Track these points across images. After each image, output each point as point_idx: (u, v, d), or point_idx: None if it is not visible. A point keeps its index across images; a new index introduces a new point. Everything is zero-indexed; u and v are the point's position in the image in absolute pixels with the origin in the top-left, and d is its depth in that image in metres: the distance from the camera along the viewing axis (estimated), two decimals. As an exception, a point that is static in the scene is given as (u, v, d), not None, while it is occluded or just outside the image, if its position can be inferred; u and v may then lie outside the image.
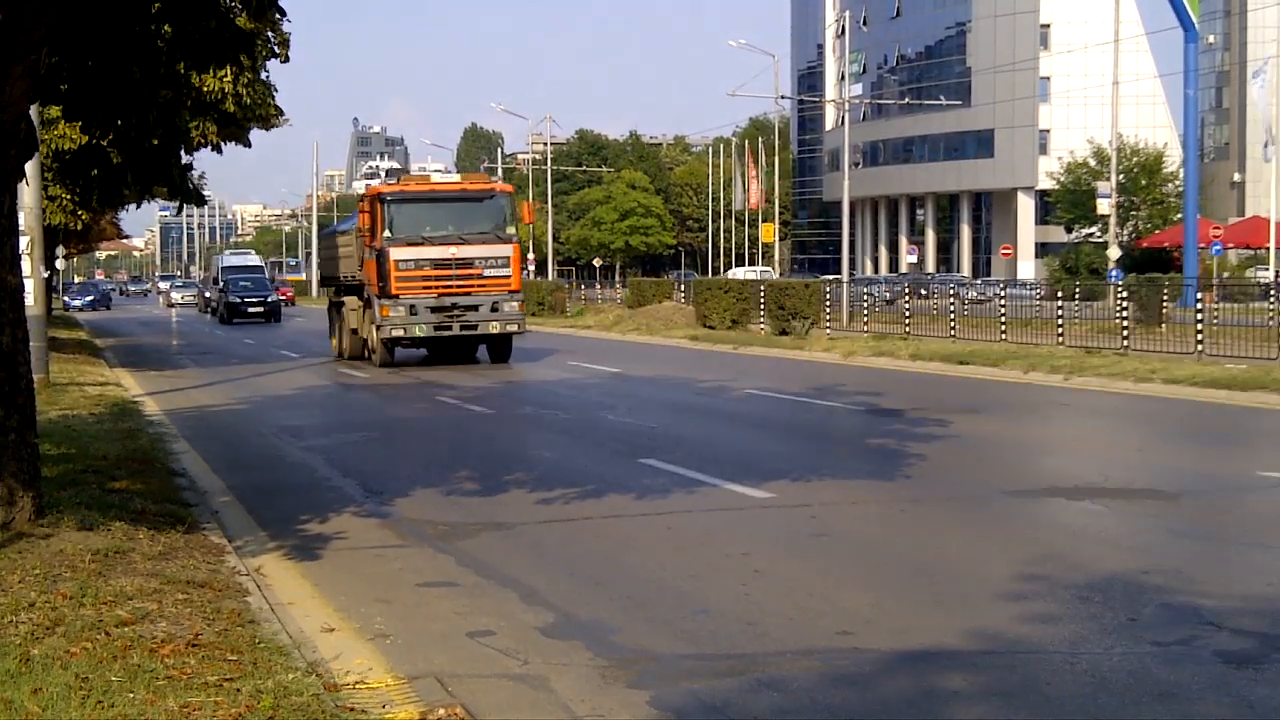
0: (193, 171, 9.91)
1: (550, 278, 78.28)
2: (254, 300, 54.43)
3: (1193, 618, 7.48)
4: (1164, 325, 27.33)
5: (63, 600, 7.21)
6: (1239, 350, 23.12)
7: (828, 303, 35.69)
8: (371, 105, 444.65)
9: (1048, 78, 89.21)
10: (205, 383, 24.78)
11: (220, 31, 8.47)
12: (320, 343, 35.87)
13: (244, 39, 8.76)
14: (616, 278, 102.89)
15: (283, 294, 68.21)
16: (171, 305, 75.14)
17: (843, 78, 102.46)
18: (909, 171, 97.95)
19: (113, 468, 12.12)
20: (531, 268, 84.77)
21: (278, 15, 9.00)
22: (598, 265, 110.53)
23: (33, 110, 9.38)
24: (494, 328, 27.04)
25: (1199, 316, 23.98)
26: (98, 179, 9.75)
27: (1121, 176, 59.34)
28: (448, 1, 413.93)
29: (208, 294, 65.61)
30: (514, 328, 27.38)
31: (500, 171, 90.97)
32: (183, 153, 16.50)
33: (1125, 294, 27.18)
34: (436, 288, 26.53)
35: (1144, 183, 68.30)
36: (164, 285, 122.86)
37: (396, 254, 26.32)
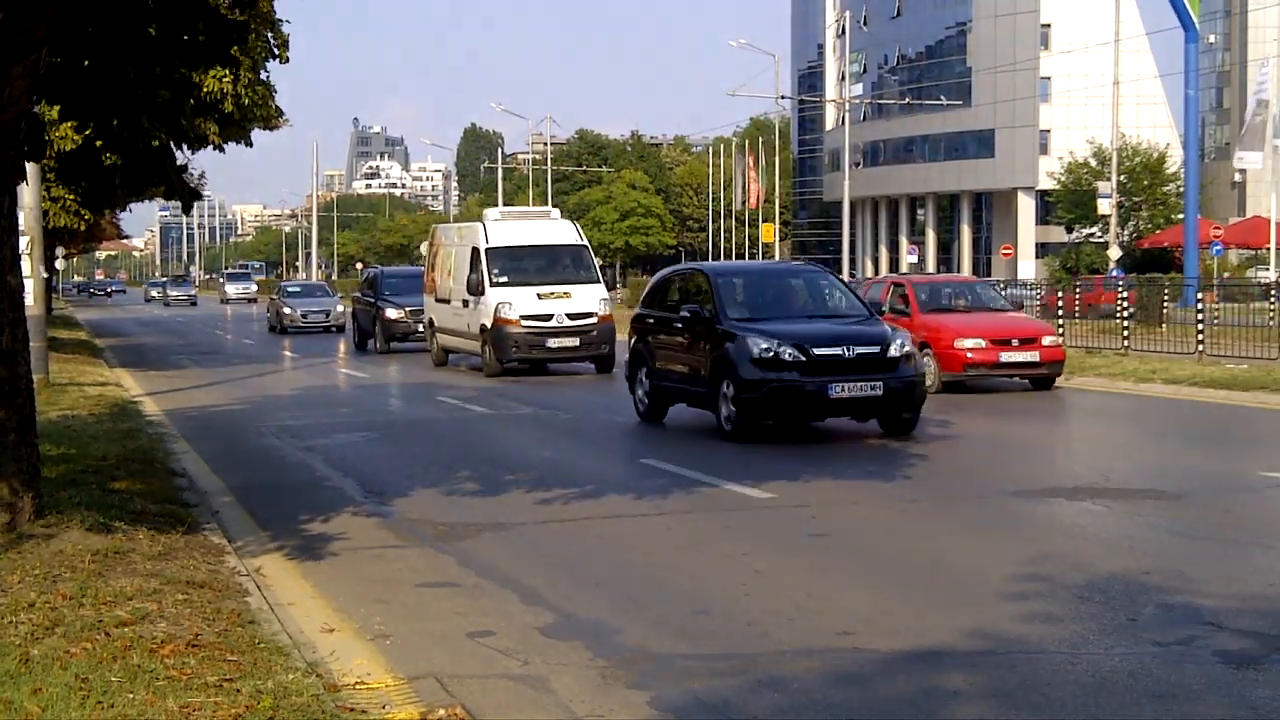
0: (190, 171, 9.86)
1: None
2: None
3: (1193, 618, 7.47)
4: (1164, 325, 27.30)
5: (62, 600, 7.20)
6: (1239, 350, 23.10)
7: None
8: (371, 105, 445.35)
9: (1048, 78, 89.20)
10: (205, 383, 24.77)
11: (211, 32, 8.45)
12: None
13: (235, 32, 8.68)
14: (617, 278, 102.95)
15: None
16: (282, 329, 43.24)
17: (843, 78, 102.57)
18: (909, 171, 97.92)
19: (113, 468, 12.10)
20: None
21: (269, 8, 8.97)
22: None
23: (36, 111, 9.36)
24: None
25: (1199, 316, 23.96)
26: (92, 179, 9.74)
27: (1123, 177, 59.34)
28: (448, 1, 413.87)
29: (393, 313, 31.77)
30: None
31: (500, 171, 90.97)
32: (186, 150, 16.52)
33: (1125, 294, 27.16)
34: None
35: (1145, 183, 68.30)
36: (234, 289, 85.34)
37: None
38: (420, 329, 29.72)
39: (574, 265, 25.55)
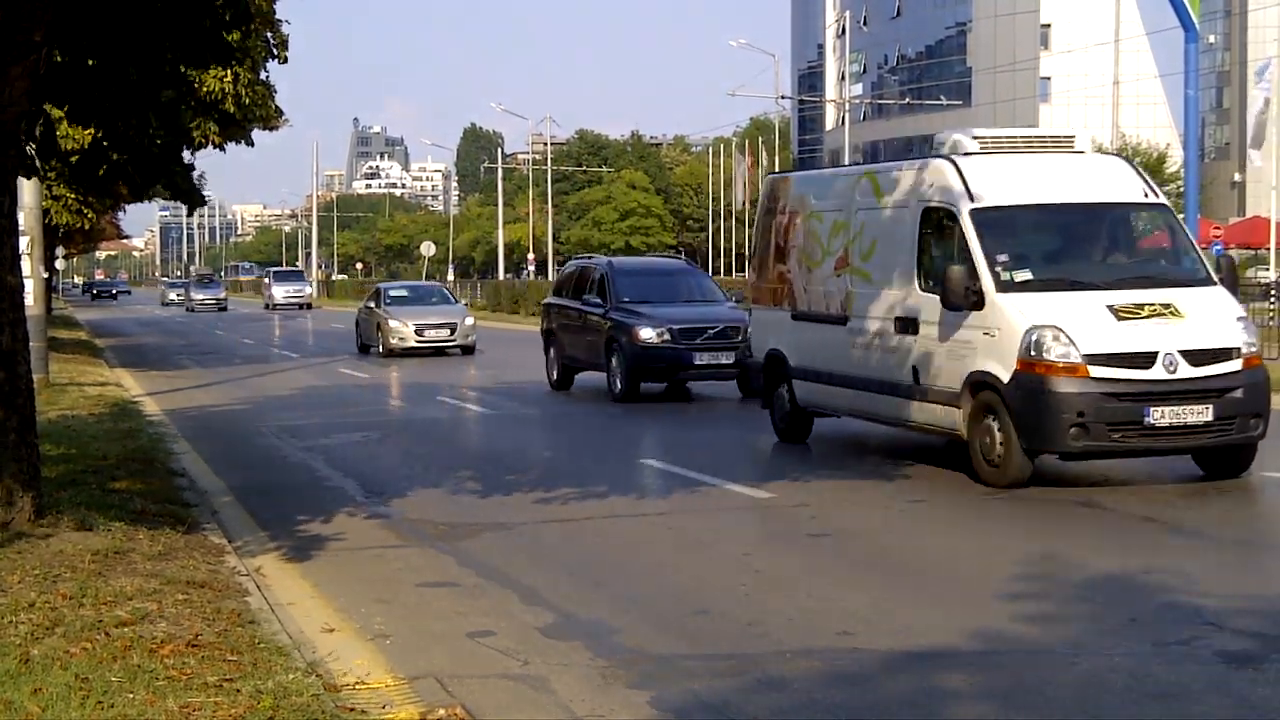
0: (194, 171, 9.92)
1: (552, 278, 78.29)
2: None
3: (1193, 618, 7.47)
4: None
5: (62, 600, 7.20)
6: (1239, 350, 23.05)
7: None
8: (371, 105, 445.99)
9: (1048, 78, 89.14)
10: (205, 383, 24.77)
11: (215, 31, 8.48)
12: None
13: (237, 37, 8.75)
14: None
15: None
16: (386, 351, 30.77)
17: (843, 77, 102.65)
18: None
19: (113, 468, 12.10)
20: (532, 268, 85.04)
21: (269, 8, 9.05)
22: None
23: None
24: None
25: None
26: (102, 178, 9.79)
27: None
28: (447, 1, 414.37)
29: (648, 333, 19.47)
30: None
31: (500, 171, 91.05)
32: (185, 153, 16.50)
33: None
34: None
35: (1145, 183, 68.31)
36: (283, 292, 67.18)
37: None
38: (699, 362, 19.49)
39: (1141, 247, 13.15)
